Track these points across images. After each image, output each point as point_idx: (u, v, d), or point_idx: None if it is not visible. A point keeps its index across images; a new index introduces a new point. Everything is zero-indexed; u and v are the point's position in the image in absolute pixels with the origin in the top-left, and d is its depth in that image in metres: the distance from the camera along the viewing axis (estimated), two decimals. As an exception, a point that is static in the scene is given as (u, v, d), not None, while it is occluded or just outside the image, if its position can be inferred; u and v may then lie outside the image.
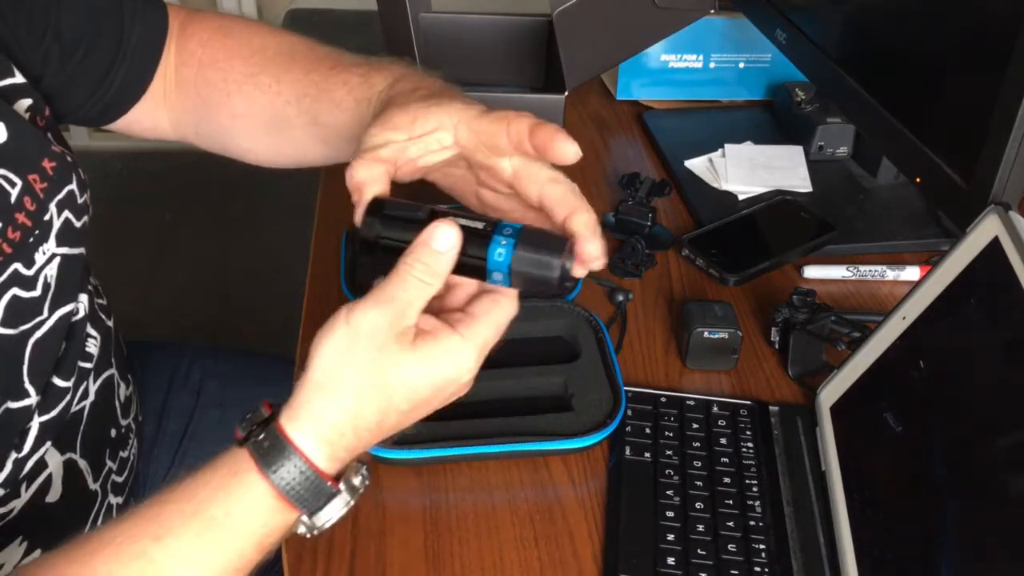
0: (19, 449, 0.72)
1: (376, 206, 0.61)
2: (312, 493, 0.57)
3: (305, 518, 0.58)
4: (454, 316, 0.60)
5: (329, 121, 0.77)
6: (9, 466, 0.71)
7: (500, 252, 0.58)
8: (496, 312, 0.60)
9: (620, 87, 1.29)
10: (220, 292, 2.26)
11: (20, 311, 0.70)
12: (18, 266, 0.70)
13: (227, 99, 0.83)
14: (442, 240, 0.57)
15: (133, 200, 2.46)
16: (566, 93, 1.10)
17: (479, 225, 0.59)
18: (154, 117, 0.87)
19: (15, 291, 0.70)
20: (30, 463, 0.73)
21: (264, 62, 0.82)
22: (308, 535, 0.60)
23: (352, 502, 0.59)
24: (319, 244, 1.02)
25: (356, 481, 0.60)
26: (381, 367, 0.57)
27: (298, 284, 0.99)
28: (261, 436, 0.56)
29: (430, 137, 0.64)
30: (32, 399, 0.72)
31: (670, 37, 1.15)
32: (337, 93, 0.76)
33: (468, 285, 0.62)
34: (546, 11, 1.12)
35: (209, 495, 0.56)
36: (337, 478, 0.58)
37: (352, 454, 0.58)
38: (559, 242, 0.59)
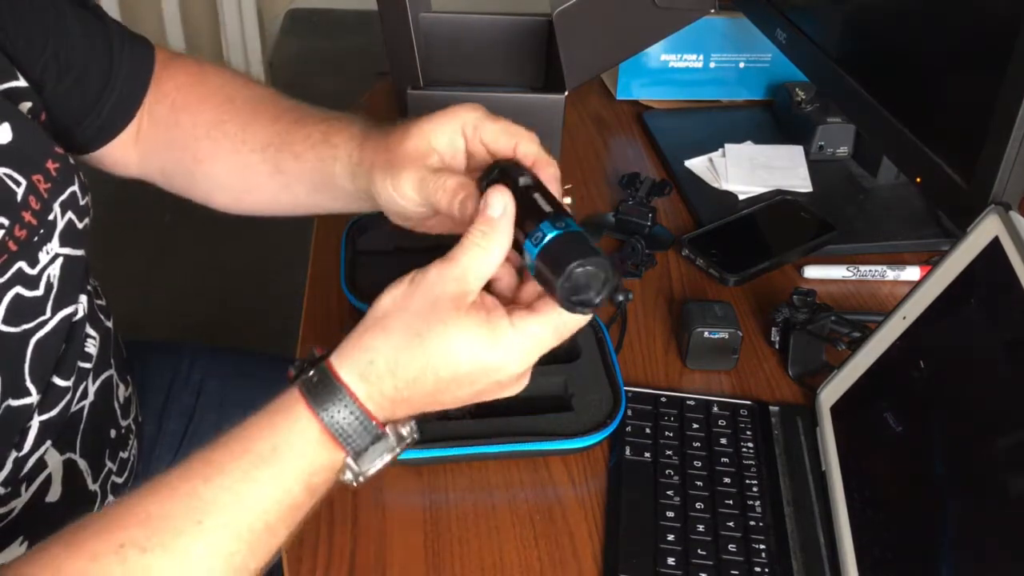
0: (19, 448, 0.72)
1: (502, 164, 0.64)
2: (356, 430, 0.57)
3: (351, 461, 0.59)
4: (518, 307, 0.60)
5: (290, 170, 0.81)
6: (9, 465, 0.72)
7: (538, 236, 0.58)
8: (557, 314, 0.59)
9: (620, 87, 1.29)
10: (220, 293, 2.26)
11: (22, 310, 0.71)
12: (22, 264, 0.70)
13: (195, 143, 0.85)
14: (493, 205, 0.59)
15: (132, 202, 2.44)
16: (566, 93, 1.10)
17: (547, 208, 0.59)
18: (126, 151, 0.88)
19: (18, 289, 0.70)
20: (30, 462, 0.73)
21: (233, 111, 0.84)
22: (354, 483, 0.60)
23: (398, 451, 0.60)
24: (319, 244, 1.02)
25: (404, 431, 0.60)
26: (428, 319, 0.58)
27: (298, 285, 0.99)
28: (311, 373, 0.58)
29: (456, 151, 0.69)
30: (33, 398, 0.72)
31: (670, 37, 1.15)
32: (298, 146, 0.79)
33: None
34: (546, 11, 1.12)
35: (256, 433, 0.58)
36: (384, 424, 0.59)
37: (392, 404, 0.59)
38: (590, 256, 0.56)
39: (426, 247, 0.97)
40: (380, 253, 0.98)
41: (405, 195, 0.69)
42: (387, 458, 0.59)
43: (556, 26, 1.08)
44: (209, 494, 0.56)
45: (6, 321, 0.69)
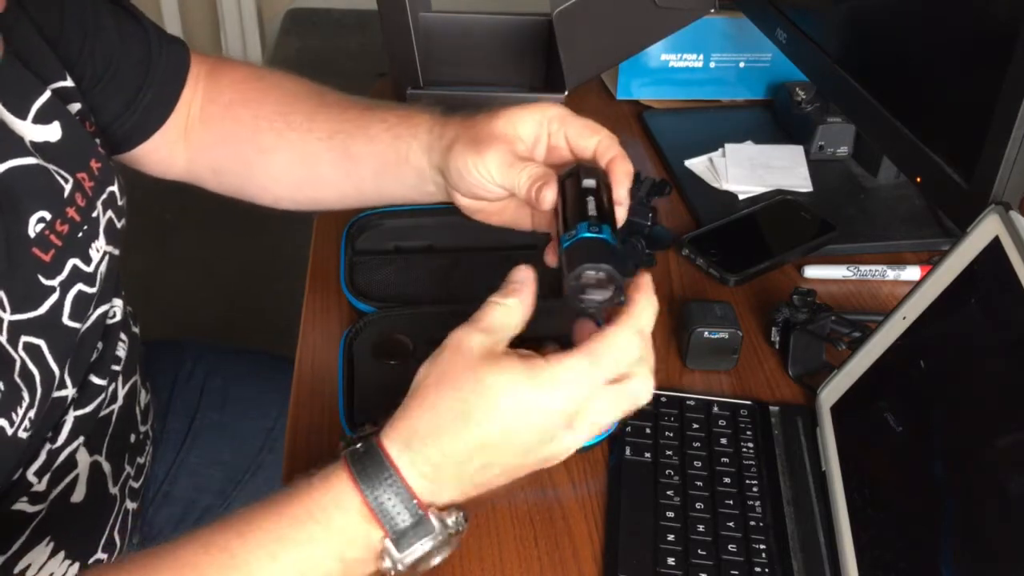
0: (53, 441, 0.73)
1: (577, 167, 0.69)
2: (395, 506, 0.56)
3: (389, 544, 0.56)
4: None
5: (360, 152, 0.81)
6: (43, 456, 0.73)
7: (572, 234, 0.62)
8: (589, 344, 0.58)
9: (620, 87, 1.29)
10: (221, 293, 2.26)
11: (84, 306, 0.73)
12: (76, 261, 0.71)
13: (255, 135, 0.85)
14: (515, 274, 0.62)
15: (133, 200, 2.45)
16: (566, 93, 1.10)
17: (592, 212, 0.63)
18: (170, 151, 0.88)
19: (80, 287, 0.72)
20: (62, 456, 0.75)
21: (297, 102, 0.85)
22: (392, 572, 0.57)
23: (441, 539, 0.57)
24: (319, 244, 1.02)
25: (450, 520, 0.58)
26: (460, 374, 0.57)
27: (299, 284, 0.99)
28: (359, 444, 0.58)
29: (539, 143, 0.73)
30: (69, 391, 0.73)
31: (670, 37, 1.15)
32: (373, 129, 0.81)
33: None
34: (546, 11, 1.12)
35: (295, 496, 0.57)
36: (427, 506, 0.57)
37: (436, 471, 0.57)
38: (603, 262, 0.59)
39: (425, 248, 0.98)
40: (380, 253, 0.98)
41: (487, 173, 0.71)
42: (428, 545, 0.56)
43: (556, 26, 1.08)
44: (241, 551, 0.56)
45: (72, 317, 0.71)
